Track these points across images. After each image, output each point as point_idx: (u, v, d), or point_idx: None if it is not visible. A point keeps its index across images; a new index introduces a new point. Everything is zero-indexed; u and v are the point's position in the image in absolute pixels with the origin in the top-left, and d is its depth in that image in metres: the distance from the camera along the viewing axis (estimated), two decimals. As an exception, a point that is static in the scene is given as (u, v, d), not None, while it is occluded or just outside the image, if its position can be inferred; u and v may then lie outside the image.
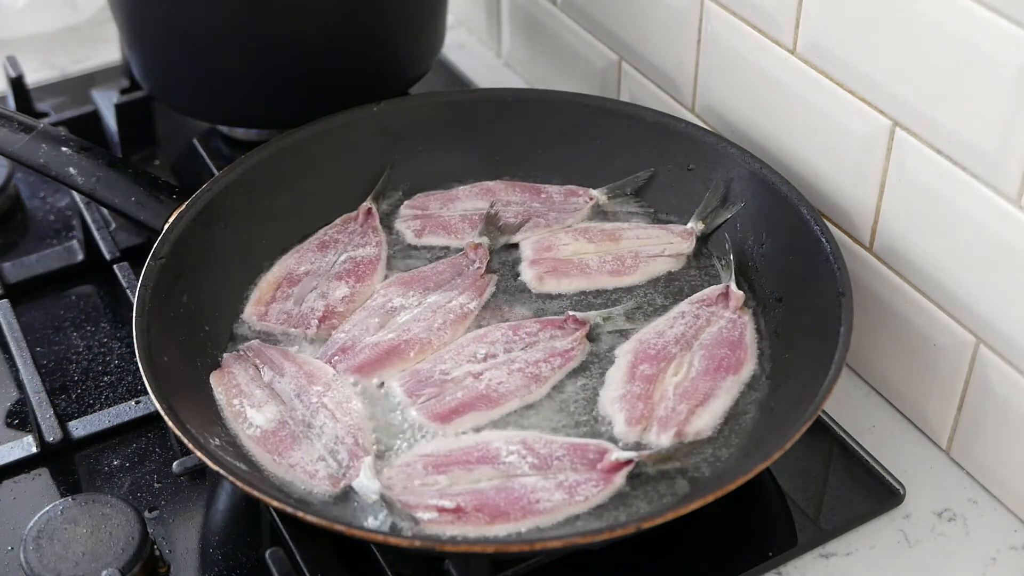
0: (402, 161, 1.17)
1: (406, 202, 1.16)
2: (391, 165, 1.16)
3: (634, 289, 1.07)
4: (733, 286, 1.04)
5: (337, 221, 1.13)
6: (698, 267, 1.09)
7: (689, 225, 1.11)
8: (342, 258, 1.09)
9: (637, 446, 0.92)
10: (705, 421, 0.94)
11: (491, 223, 1.12)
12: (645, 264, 1.08)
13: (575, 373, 0.99)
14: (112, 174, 1.09)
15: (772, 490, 0.97)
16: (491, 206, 1.13)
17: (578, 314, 1.02)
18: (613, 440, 0.92)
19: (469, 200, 1.15)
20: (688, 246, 1.09)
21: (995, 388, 0.94)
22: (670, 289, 1.07)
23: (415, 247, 1.12)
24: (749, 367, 0.99)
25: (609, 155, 1.16)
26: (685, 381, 0.96)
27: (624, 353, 1.00)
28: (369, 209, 1.13)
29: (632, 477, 0.89)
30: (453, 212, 1.14)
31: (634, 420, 0.93)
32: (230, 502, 0.98)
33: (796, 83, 1.04)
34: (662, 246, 1.09)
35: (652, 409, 0.94)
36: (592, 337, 1.02)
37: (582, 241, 1.10)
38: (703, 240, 1.11)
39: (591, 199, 1.14)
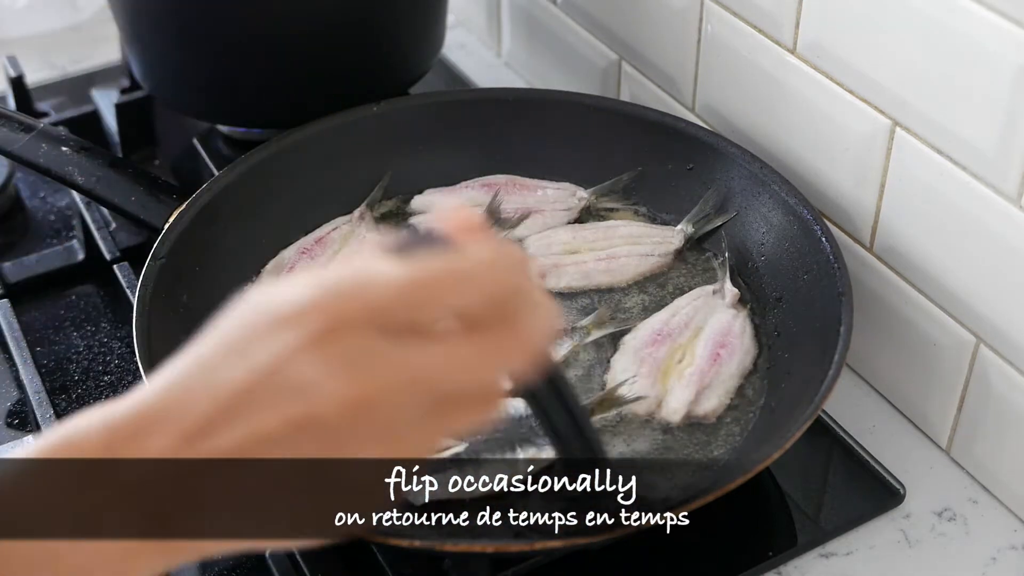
0: (402, 161, 1.17)
1: (416, 197, 1.17)
2: (389, 174, 1.16)
3: (627, 287, 1.08)
4: (728, 283, 1.04)
5: (334, 221, 1.13)
6: (693, 266, 1.10)
7: (679, 227, 1.11)
8: (339, 254, 1.09)
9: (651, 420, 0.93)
10: (713, 404, 0.95)
11: (491, 216, 1.12)
12: (637, 262, 1.09)
13: (573, 367, 1.00)
14: (112, 174, 1.09)
15: (772, 490, 0.97)
16: (493, 199, 1.13)
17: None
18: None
19: (473, 195, 1.16)
20: (676, 245, 1.10)
21: (995, 388, 0.94)
22: (663, 288, 1.08)
23: None
24: (751, 357, 1.00)
25: (609, 155, 1.16)
26: (690, 367, 0.97)
27: (629, 341, 1.01)
28: (363, 213, 1.13)
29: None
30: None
31: (647, 399, 0.96)
32: (230, 502, 0.98)
33: (796, 83, 1.04)
34: (652, 246, 1.10)
35: (663, 391, 0.96)
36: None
37: (579, 239, 1.11)
38: (700, 240, 1.11)
39: (582, 198, 1.15)
